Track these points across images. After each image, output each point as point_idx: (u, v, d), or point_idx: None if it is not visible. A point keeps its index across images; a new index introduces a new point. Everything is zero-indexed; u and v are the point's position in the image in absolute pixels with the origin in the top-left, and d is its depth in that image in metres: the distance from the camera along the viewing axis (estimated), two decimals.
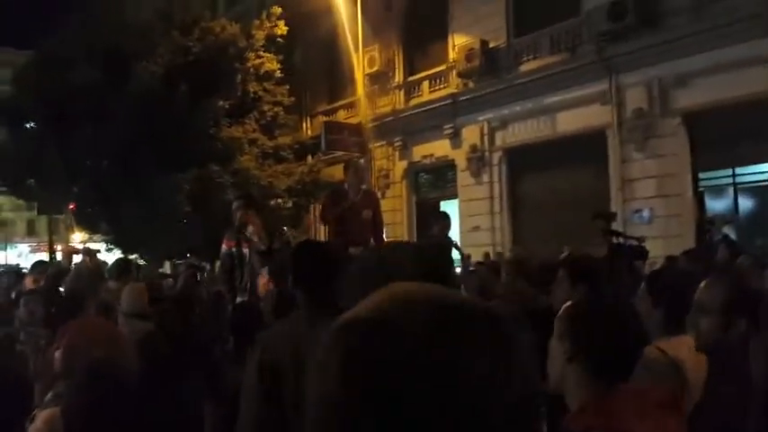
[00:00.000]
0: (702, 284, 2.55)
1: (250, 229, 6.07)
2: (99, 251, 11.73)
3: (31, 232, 48.95)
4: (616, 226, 9.02)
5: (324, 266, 2.66)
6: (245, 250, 5.97)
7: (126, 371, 2.08)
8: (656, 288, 3.45)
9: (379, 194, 14.47)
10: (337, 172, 15.98)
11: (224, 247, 6.10)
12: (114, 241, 18.06)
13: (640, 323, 1.82)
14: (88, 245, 23.12)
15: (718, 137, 11.04)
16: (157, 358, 2.90)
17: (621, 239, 6.99)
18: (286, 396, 2.25)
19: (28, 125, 16.81)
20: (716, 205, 11.45)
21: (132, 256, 18.50)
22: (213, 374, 3.27)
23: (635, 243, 7.01)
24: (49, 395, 2.47)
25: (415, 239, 14.42)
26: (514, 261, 5.79)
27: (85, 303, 4.43)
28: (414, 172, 16.88)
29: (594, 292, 3.11)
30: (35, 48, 19.61)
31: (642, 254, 7.10)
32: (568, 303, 1.84)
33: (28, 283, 6.05)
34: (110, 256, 18.45)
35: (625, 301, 3.99)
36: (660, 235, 11.16)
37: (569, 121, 12.89)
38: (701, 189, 11.62)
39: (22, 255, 48.32)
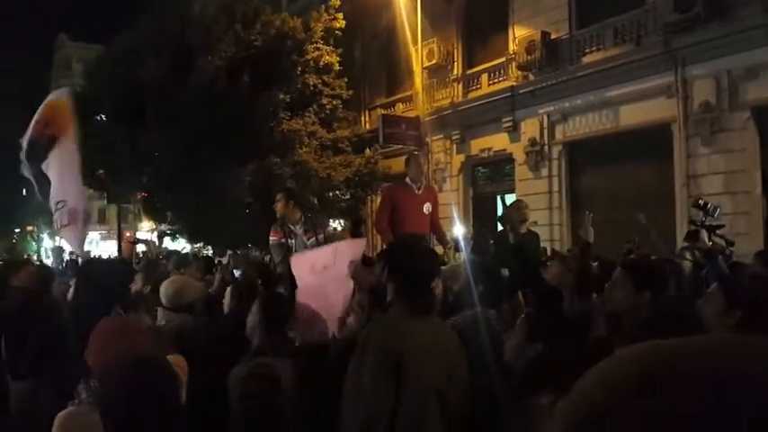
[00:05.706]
0: None
1: (292, 219, 6.23)
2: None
3: (102, 220, 51.06)
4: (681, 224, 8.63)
5: (430, 265, 2.68)
6: (291, 241, 6.12)
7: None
8: (732, 290, 3.26)
9: (435, 188, 14.48)
10: (394, 164, 16.09)
11: (272, 238, 6.24)
12: (179, 230, 18.67)
13: None
14: (155, 232, 23.87)
15: None
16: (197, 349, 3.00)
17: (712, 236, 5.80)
18: (408, 385, 2.32)
19: (99, 118, 17.49)
20: None
21: (197, 245, 19.16)
22: None
23: (723, 244, 5.88)
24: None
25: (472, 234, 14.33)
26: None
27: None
28: (471, 166, 16.76)
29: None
30: (106, 42, 20.36)
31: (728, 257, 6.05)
32: None
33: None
34: (174, 244, 19.14)
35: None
36: (727, 233, 10.74)
37: (633, 115, 12.56)
38: None
39: (94, 242, 50.46)
